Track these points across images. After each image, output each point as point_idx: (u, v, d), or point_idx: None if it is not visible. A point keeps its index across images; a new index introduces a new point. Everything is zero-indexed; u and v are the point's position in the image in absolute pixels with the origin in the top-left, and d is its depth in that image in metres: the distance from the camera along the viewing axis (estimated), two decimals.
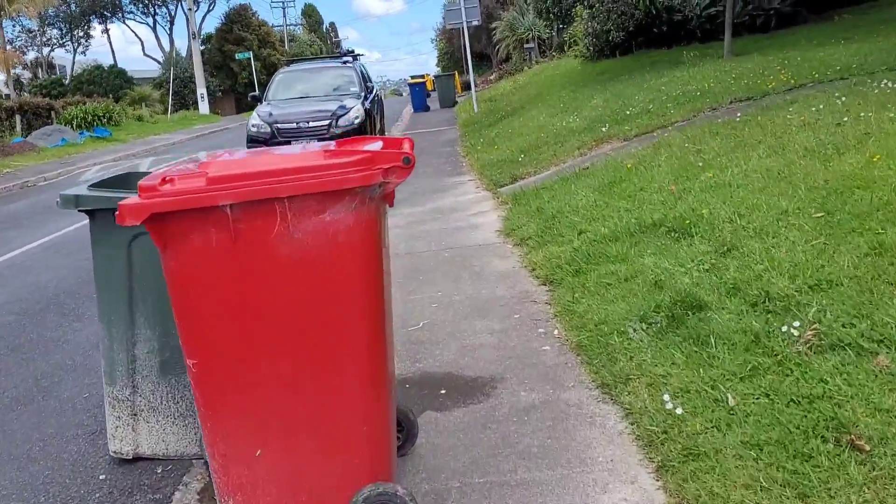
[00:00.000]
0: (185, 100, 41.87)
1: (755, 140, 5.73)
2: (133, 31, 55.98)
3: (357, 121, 11.41)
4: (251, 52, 39.87)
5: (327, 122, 11.28)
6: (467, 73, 19.18)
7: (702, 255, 3.83)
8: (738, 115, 6.92)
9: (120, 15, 54.56)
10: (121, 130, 27.05)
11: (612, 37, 16.08)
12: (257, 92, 12.27)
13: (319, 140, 11.38)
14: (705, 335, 3.02)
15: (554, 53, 31.33)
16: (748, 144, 5.67)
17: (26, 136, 23.23)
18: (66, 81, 47.61)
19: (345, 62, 13.63)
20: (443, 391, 3.24)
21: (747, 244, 3.74)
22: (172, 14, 51.68)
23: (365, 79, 13.35)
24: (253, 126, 11.53)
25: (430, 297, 4.54)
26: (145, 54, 71.40)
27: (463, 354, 3.60)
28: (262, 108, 11.93)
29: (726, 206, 4.36)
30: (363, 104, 11.87)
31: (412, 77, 29.44)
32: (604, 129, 8.59)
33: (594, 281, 4.07)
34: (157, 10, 54.05)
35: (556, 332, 3.71)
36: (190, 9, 36.35)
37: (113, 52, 77.69)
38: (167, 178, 2.01)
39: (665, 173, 5.62)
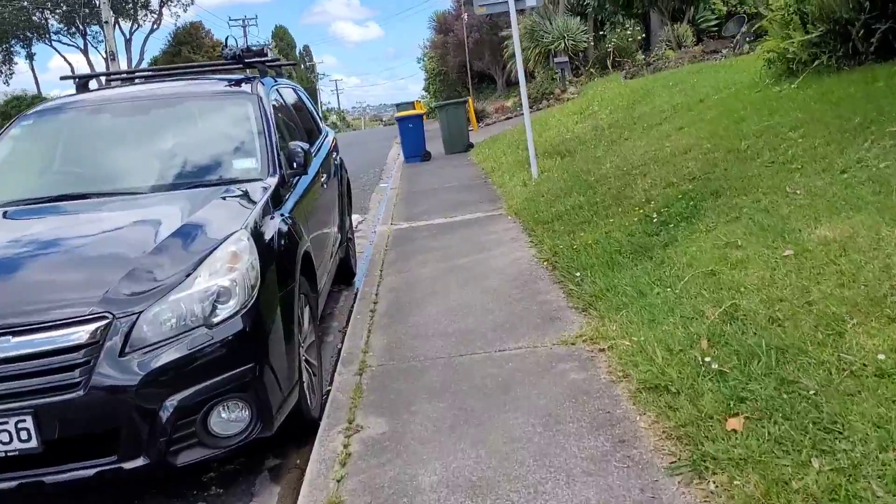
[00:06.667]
0: None
1: None
2: (62, 55, 46.85)
3: (231, 312, 2.76)
4: None
5: (82, 349, 2.53)
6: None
7: None
8: None
9: (46, 37, 46.02)
10: None
11: None
12: None
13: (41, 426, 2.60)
14: None
15: (592, 71, 23.00)
16: None
17: None
18: None
19: (234, 83, 4.79)
20: None
21: None
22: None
23: (287, 125, 4.62)
24: None
25: None
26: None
27: None
28: None
29: None
30: (256, 226, 3.19)
31: (399, 107, 20.70)
32: None
33: None
34: (88, 31, 45.56)
35: None
36: (105, 21, 27.53)
37: (36, 79, 68.85)
38: None
39: None
